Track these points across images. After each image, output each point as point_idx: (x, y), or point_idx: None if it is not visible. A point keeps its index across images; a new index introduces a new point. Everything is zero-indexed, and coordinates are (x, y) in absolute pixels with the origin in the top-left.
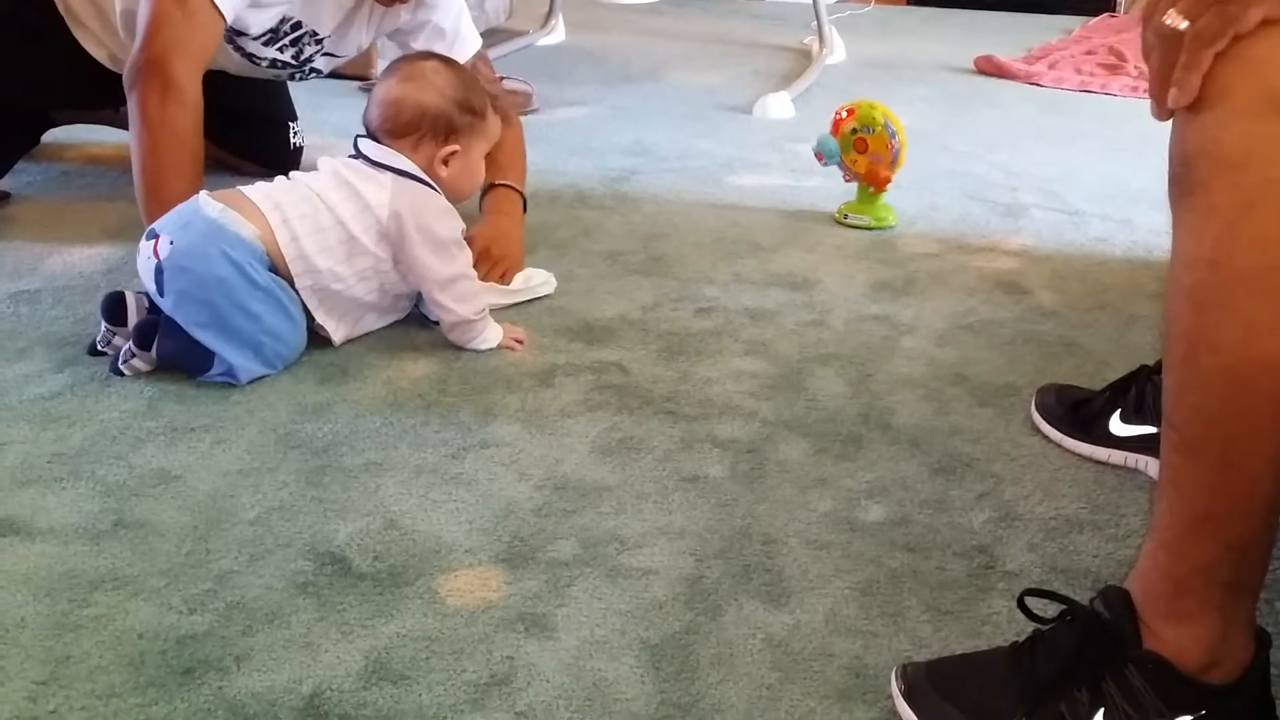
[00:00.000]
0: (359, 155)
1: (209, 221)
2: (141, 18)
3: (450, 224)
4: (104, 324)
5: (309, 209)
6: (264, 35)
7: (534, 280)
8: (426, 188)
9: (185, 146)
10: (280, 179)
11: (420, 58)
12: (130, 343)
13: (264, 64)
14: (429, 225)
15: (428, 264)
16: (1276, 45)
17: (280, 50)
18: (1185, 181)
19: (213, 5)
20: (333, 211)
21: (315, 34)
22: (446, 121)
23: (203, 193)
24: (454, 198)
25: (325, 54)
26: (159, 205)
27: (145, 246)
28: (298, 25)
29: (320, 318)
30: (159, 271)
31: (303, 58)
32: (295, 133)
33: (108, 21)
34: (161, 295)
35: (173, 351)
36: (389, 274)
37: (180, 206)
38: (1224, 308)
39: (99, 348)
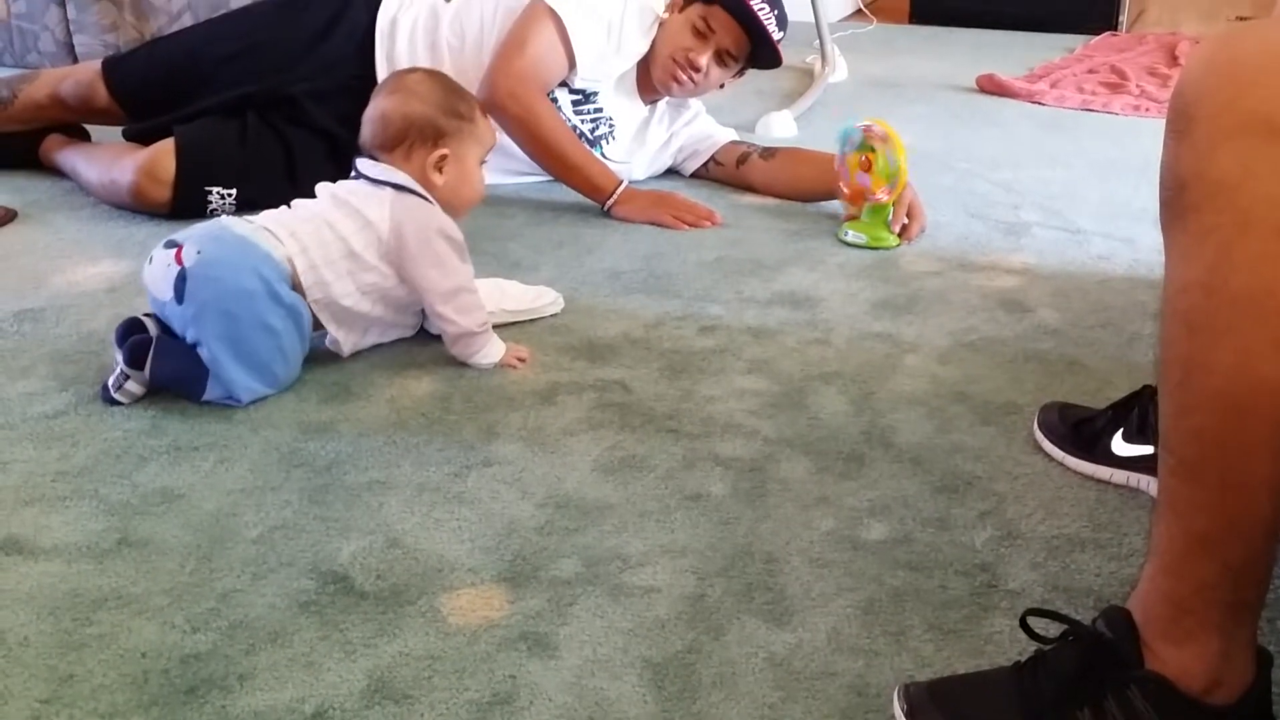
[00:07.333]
0: (359, 175)
1: (240, 237)
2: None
3: (449, 237)
4: (120, 365)
5: (312, 227)
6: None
7: (543, 299)
8: (425, 201)
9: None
10: (283, 207)
11: (405, 72)
12: (121, 364)
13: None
14: (429, 239)
15: (428, 277)
16: (1267, 65)
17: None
18: (1178, 205)
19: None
20: (334, 229)
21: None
22: (433, 127)
23: (226, 215)
24: (455, 208)
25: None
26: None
27: (164, 254)
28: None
29: (332, 330)
30: (181, 279)
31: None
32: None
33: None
34: (180, 302)
35: (167, 373)
36: (393, 289)
37: (206, 224)
38: (1219, 331)
39: (112, 394)
